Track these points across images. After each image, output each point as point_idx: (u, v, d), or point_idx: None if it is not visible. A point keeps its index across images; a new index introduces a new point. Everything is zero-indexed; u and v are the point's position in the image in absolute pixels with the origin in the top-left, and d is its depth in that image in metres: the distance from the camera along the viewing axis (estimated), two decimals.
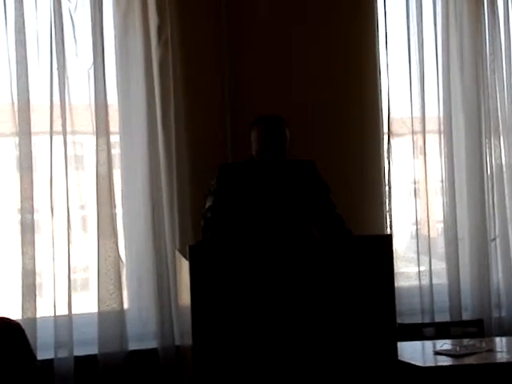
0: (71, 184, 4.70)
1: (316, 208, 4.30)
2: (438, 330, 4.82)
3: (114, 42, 4.83)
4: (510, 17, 5.44)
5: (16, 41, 4.59)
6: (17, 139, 4.62)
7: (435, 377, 3.89)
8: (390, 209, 5.19)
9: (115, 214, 4.74)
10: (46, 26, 4.63)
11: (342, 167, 4.97)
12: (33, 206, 4.60)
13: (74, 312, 4.63)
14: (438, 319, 5.12)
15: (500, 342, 4.61)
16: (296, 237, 4.17)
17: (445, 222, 5.31)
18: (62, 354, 4.58)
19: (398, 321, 4.21)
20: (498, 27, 5.40)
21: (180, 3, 4.82)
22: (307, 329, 3.78)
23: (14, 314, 4.39)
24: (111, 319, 4.68)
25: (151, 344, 4.79)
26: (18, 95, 4.60)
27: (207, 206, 4.27)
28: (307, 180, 4.32)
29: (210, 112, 4.93)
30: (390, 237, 4.46)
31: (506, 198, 5.38)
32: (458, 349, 4.10)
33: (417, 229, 5.29)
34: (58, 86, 4.64)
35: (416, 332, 4.72)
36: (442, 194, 5.32)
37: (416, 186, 5.32)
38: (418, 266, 5.23)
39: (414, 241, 5.29)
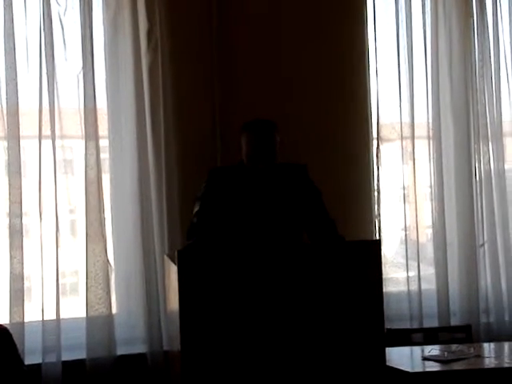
0: (60, 188, 4.69)
1: (308, 213, 4.29)
2: (426, 336, 4.82)
3: (103, 47, 4.84)
4: (498, 23, 5.44)
5: (5, 44, 4.58)
6: (5, 143, 4.61)
7: (423, 382, 3.89)
8: (379, 214, 5.19)
9: (104, 218, 4.73)
10: (36, 30, 4.63)
11: (330, 172, 4.96)
12: (21, 210, 4.59)
13: (62, 316, 4.62)
14: (426, 325, 5.13)
15: (488, 348, 4.61)
16: (285, 242, 4.17)
17: (433, 227, 5.31)
18: (50, 358, 4.57)
19: (387, 326, 4.22)
20: (487, 33, 5.41)
21: (170, 7, 4.82)
22: (295, 333, 3.78)
23: (2, 318, 4.39)
24: (99, 324, 4.67)
25: (139, 349, 4.79)
26: (6, 99, 4.59)
27: (195, 210, 4.27)
28: (299, 184, 4.31)
29: (200, 116, 4.92)
30: (378, 242, 4.46)
31: (495, 204, 5.38)
32: (446, 354, 4.11)
33: (405, 234, 5.29)
34: (47, 90, 4.64)
35: (404, 337, 4.72)
36: (431, 200, 5.32)
37: (405, 191, 5.32)
38: (407, 272, 5.23)
39: (403, 246, 5.29)
